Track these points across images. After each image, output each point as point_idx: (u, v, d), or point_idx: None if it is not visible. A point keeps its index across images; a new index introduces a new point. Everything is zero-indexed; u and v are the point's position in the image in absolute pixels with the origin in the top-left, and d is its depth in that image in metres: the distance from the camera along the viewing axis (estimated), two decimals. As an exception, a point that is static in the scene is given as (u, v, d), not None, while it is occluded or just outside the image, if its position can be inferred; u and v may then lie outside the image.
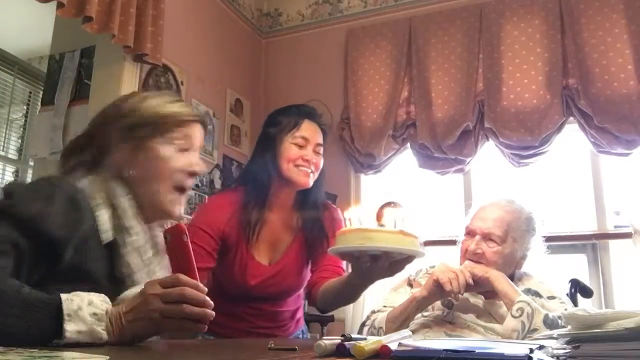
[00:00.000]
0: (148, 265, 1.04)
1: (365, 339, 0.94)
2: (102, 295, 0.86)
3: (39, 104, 2.87)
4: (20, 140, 4.00)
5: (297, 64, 3.50)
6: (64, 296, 0.81)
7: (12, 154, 3.93)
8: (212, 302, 0.88)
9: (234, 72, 3.30)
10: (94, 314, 0.81)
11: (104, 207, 1.00)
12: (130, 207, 1.03)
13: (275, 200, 1.63)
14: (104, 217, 0.99)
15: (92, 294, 0.84)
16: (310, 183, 1.61)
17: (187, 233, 0.92)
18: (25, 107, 4.07)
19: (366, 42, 3.21)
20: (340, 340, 0.92)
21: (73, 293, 0.82)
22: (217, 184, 3.05)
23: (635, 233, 2.49)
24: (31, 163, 3.43)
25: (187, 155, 1.09)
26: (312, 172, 1.60)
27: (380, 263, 1.24)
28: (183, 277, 0.87)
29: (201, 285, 0.87)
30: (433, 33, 3.04)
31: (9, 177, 3.89)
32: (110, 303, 0.86)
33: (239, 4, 3.41)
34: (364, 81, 3.16)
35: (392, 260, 1.25)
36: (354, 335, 0.94)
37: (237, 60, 3.36)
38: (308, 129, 1.62)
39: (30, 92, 4.07)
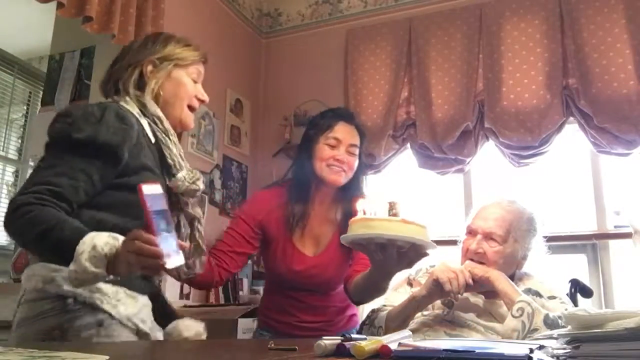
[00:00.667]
0: (184, 159, 1.36)
1: (365, 338, 0.94)
2: (112, 236, 1.05)
3: (39, 104, 2.87)
4: (20, 140, 4.00)
5: (297, 64, 3.50)
6: (83, 239, 1.02)
7: (12, 154, 3.93)
8: (160, 252, 1.00)
9: (234, 72, 3.30)
10: (93, 256, 1.01)
11: (142, 117, 1.31)
12: (165, 118, 1.34)
13: (315, 197, 1.74)
14: (146, 124, 1.31)
15: (106, 235, 1.04)
16: (342, 181, 1.71)
17: (143, 192, 1.02)
18: (25, 107, 4.06)
19: (366, 42, 3.21)
20: (340, 340, 0.92)
21: (93, 235, 1.04)
22: (217, 184, 3.05)
23: (635, 233, 2.49)
24: (31, 163, 3.42)
25: (197, 85, 1.46)
26: (344, 171, 1.70)
27: (389, 252, 1.28)
28: (138, 233, 1.01)
29: (152, 238, 1.00)
30: (433, 33, 3.04)
31: (9, 177, 3.89)
32: (117, 242, 1.04)
33: (239, 4, 3.41)
34: (364, 81, 3.16)
35: (401, 249, 1.28)
36: (354, 335, 0.94)
37: (237, 60, 3.36)
38: (341, 130, 1.72)
39: (30, 92, 4.06)
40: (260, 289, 2.96)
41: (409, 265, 1.38)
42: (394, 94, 3.04)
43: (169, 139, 1.32)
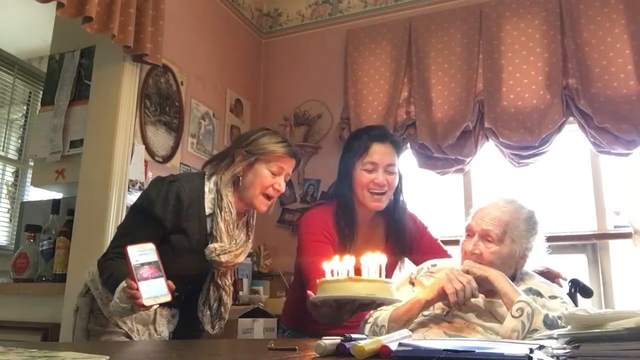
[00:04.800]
0: (233, 235, 1.67)
1: (365, 338, 0.94)
2: None
3: (39, 104, 2.87)
4: (20, 140, 3.99)
5: (297, 64, 3.49)
6: (121, 283, 1.38)
7: (12, 154, 3.92)
8: (134, 294, 1.30)
9: (234, 72, 3.30)
10: (122, 295, 1.36)
11: (212, 193, 1.65)
12: (230, 197, 1.65)
13: (360, 217, 1.82)
14: (208, 199, 1.64)
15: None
16: (383, 206, 1.78)
17: (129, 257, 1.31)
18: (25, 107, 4.05)
19: (366, 42, 3.21)
20: (340, 340, 0.92)
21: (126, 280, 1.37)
22: (217, 184, 3.04)
23: (635, 233, 2.49)
24: (31, 163, 3.43)
25: (276, 178, 1.68)
26: (384, 193, 1.76)
27: (347, 308, 1.31)
28: (127, 281, 1.33)
29: (132, 284, 1.31)
30: (433, 33, 3.04)
31: (9, 177, 3.88)
32: None
33: (239, 4, 3.41)
34: (364, 81, 3.16)
35: (353, 306, 1.31)
36: (354, 335, 0.94)
37: (237, 60, 3.36)
38: (376, 153, 1.76)
39: (30, 92, 4.06)
40: (260, 289, 2.97)
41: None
42: (394, 94, 3.04)
43: (221, 214, 1.63)
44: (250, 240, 1.76)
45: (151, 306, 1.33)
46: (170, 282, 1.34)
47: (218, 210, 1.63)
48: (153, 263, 1.34)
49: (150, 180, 1.72)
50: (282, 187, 1.70)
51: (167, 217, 1.56)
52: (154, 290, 1.31)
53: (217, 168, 1.71)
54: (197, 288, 1.71)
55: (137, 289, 1.29)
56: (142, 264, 1.32)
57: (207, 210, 1.64)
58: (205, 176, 1.70)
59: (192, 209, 1.60)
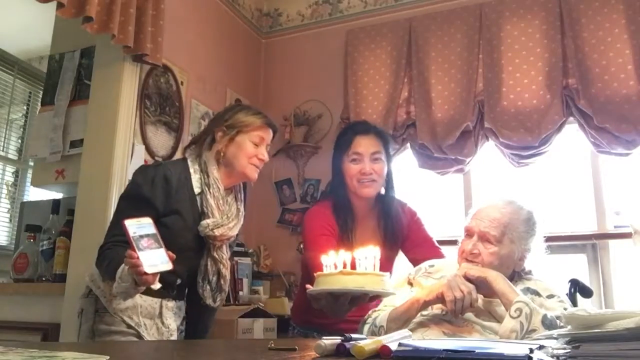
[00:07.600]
0: (224, 210, 1.72)
1: (365, 338, 0.95)
2: None
3: (39, 104, 2.87)
4: (20, 140, 3.99)
5: (297, 64, 3.49)
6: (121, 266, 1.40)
7: (12, 154, 3.92)
8: (135, 262, 1.30)
9: (234, 72, 3.30)
10: (123, 275, 1.38)
11: (198, 173, 1.71)
12: (215, 174, 1.71)
13: (356, 208, 1.90)
14: (195, 179, 1.69)
15: None
16: (374, 193, 1.88)
17: (127, 230, 1.32)
18: (25, 107, 4.05)
19: (366, 42, 3.21)
20: (340, 340, 0.92)
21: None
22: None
23: (635, 233, 2.49)
24: (31, 163, 3.43)
25: (259, 148, 1.75)
26: (374, 180, 1.85)
27: (340, 300, 1.36)
28: (127, 252, 1.33)
29: (131, 253, 1.32)
30: (433, 33, 3.04)
31: (9, 178, 3.88)
32: None
33: (239, 4, 3.41)
34: (364, 81, 3.16)
35: (346, 298, 1.35)
36: (354, 335, 0.94)
37: (237, 60, 3.36)
38: (359, 144, 1.86)
39: (30, 92, 4.06)
40: (260, 289, 2.96)
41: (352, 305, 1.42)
42: (394, 94, 3.04)
43: (209, 191, 1.68)
44: (241, 213, 1.80)
45: (154, 277, 1.33)
46: (171, 253, 1.35)
47: (206, 188, 1.68)
48: (151, 235, 1.35)
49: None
50: (266, 156, 1.78)
51: (157, 197, 1.60)
52: (155, 259, 1.32)
53: (200, 149, 1.76)
54: (194, 274, 1.72)
55: (138, 258, 1.30)
56: (141, 236, 1.33)
57: (196, 190, 1.69)
58: (189, 160, 1.75)
59: (181, 190, 1.65)
